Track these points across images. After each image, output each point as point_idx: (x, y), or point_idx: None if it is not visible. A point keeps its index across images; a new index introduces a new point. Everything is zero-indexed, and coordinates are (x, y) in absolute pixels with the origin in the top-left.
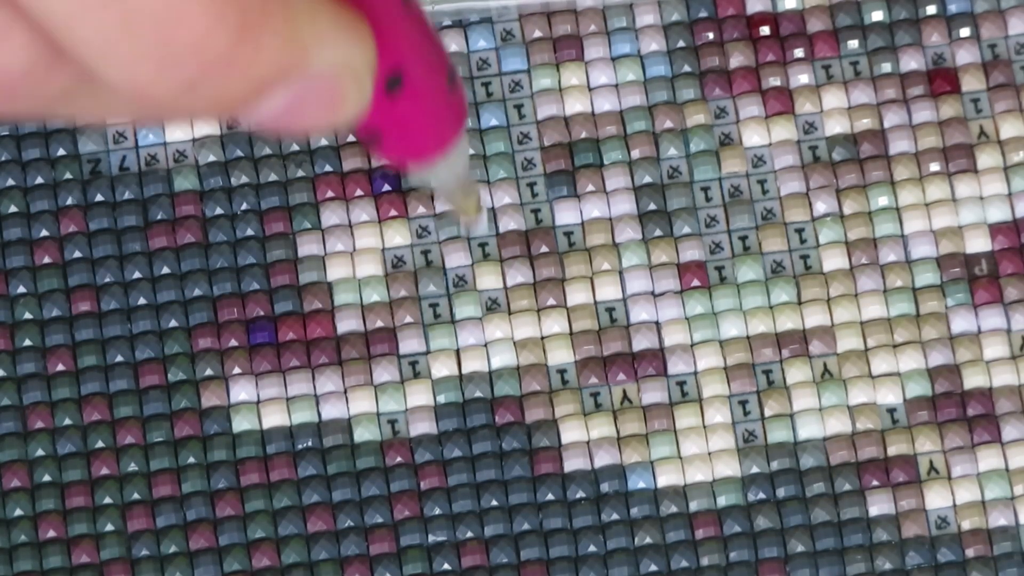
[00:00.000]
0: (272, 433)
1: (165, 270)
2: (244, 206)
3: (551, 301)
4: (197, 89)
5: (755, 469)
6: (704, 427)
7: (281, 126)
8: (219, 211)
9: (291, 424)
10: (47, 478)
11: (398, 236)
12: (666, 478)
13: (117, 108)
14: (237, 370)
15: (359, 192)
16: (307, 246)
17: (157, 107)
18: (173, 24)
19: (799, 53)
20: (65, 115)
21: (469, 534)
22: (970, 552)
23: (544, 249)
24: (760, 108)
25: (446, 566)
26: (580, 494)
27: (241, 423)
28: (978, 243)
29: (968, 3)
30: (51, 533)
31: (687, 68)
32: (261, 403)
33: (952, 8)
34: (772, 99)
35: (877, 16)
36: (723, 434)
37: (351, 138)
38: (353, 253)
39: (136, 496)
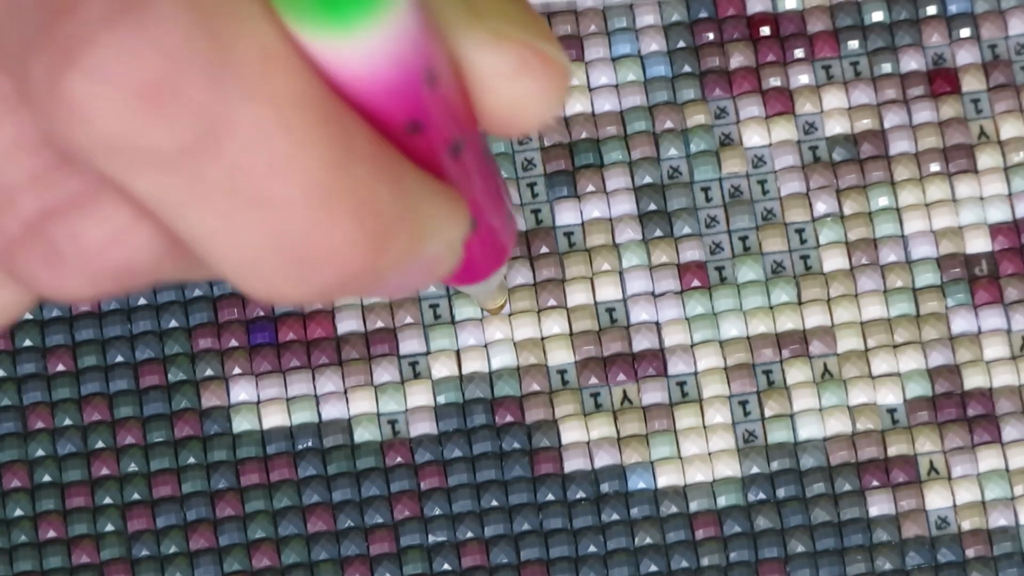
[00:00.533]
0: (272, 433)
1: None
2: None
3: (551, 302)
4: (328, 293)
5: (755, 469)
6: (704, 427)
7: (379, 294)
8: None
9: (291, 424)
10: (47, 478)
11: None
12: (666, 478)
13: (201, 277)
14: (237, 370)
15: None
16: None
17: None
18: (317, 240)
19: (799, 53)
20: (166, 283)
21: (469, 534)
22: (970, 552)
23: (544, 249)
24: (760, 108)
25: (446, 566)
26: (580, 494)
27: (241, 423)
28: (978, 243)
29: (968, 3)
30: (51, 533)
31: (687, 68)
32: (261, 403)
33: (952, 8)
34: (772, 99)
35: (877, 16)
36: (723, 434)
37: None
38: None
39: (136, 496)
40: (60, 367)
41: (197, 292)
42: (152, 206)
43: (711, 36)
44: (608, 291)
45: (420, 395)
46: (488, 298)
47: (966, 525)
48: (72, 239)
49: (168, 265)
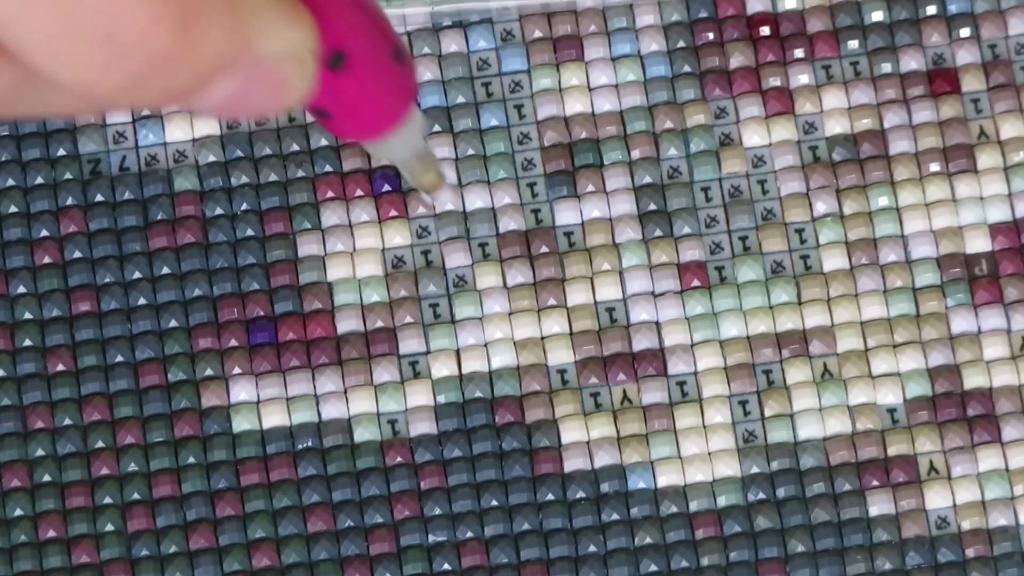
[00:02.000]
0: (272, 433)
1: (165, 270)
2: (244, 206)
3: (551, 301)
4: (144, 82)
5: (755, 469)
6: (704, 427)
7: (229, 112)
8: (219, 211)
9: (291, 424)
10: (47, 478)
11: (398, 236)
12: (666, 478)
13: (63, 105)
14: (237, 370)
15: (359, 192)
16: (307, 246)
17: (104, 101)
18: (115, 20)
19: (799, 53)
20: (9, 115)
21: (469, 534)
22: (970, 552)
23: (544, 249)
24: (760, 108)
25: (446, 566)
26: (580, 494)
27: (241, 423)
28: (978, 243)
29: (968, 3)
30: (51, 533)
31: (687, 68)
32: (261, 403)
33: (952, 8)
34: (772, 99)
35: (877, 16)
36: (723, 434)
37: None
38: (353, 253)
39: (136, 496)
40: (60, 367)
41: (197, 292)
42: None
43: (711, 36)
44: (608, 291)
45: (420, 395)
46: (414, 166)
47: (966, 525)
48: None
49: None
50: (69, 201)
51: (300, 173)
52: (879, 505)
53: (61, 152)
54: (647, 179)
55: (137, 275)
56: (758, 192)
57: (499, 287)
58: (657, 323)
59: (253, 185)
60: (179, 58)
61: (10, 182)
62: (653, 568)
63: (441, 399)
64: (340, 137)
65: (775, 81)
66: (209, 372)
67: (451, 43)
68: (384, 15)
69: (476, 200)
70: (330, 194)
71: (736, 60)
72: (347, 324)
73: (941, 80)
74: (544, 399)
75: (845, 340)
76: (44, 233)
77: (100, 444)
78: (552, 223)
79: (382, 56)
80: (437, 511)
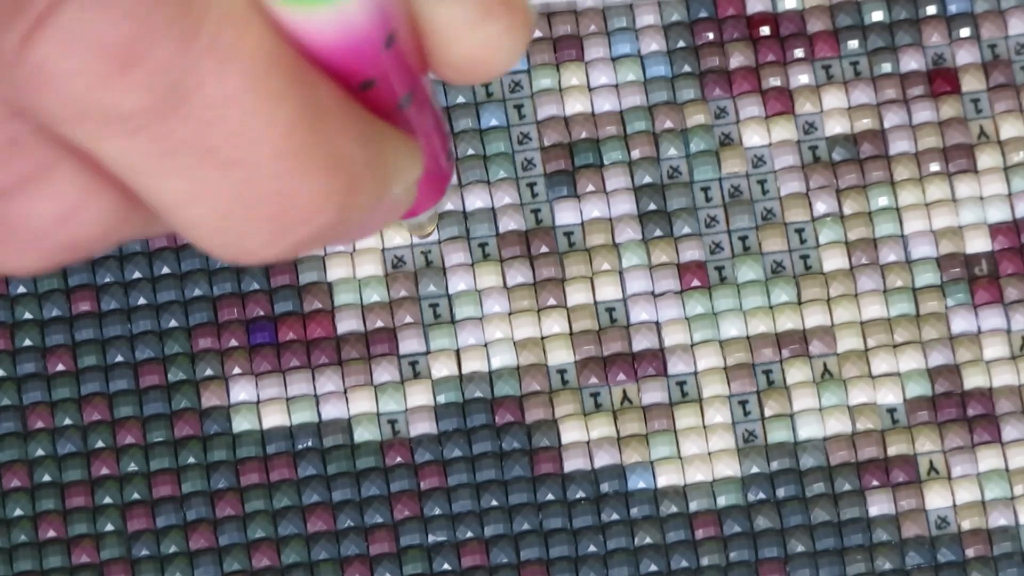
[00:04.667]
0: (272, 433)
1: (165, 270)
2: None
3: (551, 301)
4: (299, 248)
5: (755, 469)
6: (704, 427)
7: (341, 242)
8: None
9: (291, 424)
10: (47, 478)
11: (398, 236)
12: (666, 478)
13: (157, 232)
14: (237, 370)
15: None
16: None
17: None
18: (290, 197)
19: (799, 53)
20: (113, 243)
21: (469, 534)
22: (970, 552)
23: (544, 249)
24: (760, 108)
25: (446, 566)
26: (580, 494)
27: (241, 423)
28: (978, 243)
29: (968, 3)
30: (51, 533)
31: (687, 68)
32: (261, 403)
33: (952, 8)
34: (772, 99)
35: (877, 16)
36: (723, 434)
37: None
38: (353, 253)
39: (136, 496)
40: (60, 367)
41: (197, 292)
42: (119, 170)
43: (711, 36)
44: (608, 291)
45: (420, 395)
46: (420, 227)
47: (966, 525)
48: (24, 217)
49: (124, 231)
50: None
51: None
52: (879, 505)
53: None
54: (647, 179)
55: (137, 275)
56: (758, 192)
57: (499, 287)
58: (657, 323)
59: None
60: (338, 225)
61: None
62: (653, 568)
63: (441, 399)
64: None
65: (775, 81)
66: (209, 372)
67: None
68: (441, 115)
69: (476, 200)
70: None
71: (736, 60)
72: (347, 324)
73: (941, 80)
74: (544, 399)
75: (845, 340)
76: None
77: (100, 444)
78: (552, 223)
79: (443, 157)
80: (437, 511)
